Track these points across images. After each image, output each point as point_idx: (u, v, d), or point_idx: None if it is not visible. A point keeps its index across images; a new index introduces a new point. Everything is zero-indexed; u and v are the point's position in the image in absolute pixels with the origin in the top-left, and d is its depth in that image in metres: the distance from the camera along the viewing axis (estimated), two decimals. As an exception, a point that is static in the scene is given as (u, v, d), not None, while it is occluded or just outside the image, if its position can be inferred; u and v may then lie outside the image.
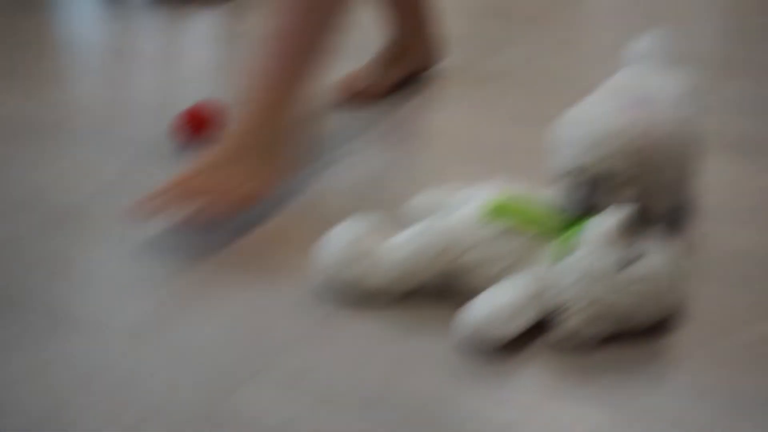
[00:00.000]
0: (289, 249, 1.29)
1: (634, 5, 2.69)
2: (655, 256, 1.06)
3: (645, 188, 1.11)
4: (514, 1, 2.71)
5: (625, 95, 1.17)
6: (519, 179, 1.24)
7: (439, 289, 1.15)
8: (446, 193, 1.27)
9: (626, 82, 1.25)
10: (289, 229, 1.34)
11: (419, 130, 1.74)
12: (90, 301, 1.18)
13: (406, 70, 1.85)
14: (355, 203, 1.39)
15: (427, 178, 1.49)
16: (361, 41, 1.84)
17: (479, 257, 1.12)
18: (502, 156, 1.60)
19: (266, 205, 1.39)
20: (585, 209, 1.10)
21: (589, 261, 1.05)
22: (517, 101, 1.87)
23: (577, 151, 1.12)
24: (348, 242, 1.14)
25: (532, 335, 1.07)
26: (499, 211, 1.12)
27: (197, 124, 1.62)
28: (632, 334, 1.07)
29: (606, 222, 1.06)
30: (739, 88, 1.93)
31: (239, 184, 1.32)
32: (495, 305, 1.05)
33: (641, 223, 1.07)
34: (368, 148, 1.62)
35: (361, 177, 1.51)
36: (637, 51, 1.35)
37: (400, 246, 1.14)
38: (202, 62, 2.14)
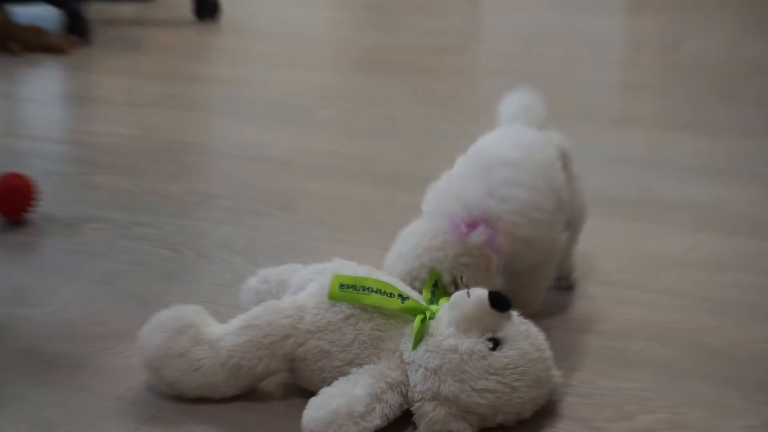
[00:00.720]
0: (107, 338, 1.14)
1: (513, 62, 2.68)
2: (522, 340, 0.95)
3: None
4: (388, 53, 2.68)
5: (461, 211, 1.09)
6: (377, 250, 1.17)
7: (287, 381, 1.03)
8: (286, 272, 1.14)
9: (488, 156, 1.16)
10: (105, 312, 1.20)
11: (272, 192, 1.62)
12: None
13: None
14: (177, 285, 1.28)
15: (276, 249, 1.40)
16: None
17: (324, 345, 0.98)
18: (370, 221, 1.51)
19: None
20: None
21: (451, 345, 0.93)
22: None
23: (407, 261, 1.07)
24: (169, 334, 1.00)
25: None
26: (344, 292, 0.99)
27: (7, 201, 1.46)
28: (500, 429, 0.95)
29: (466, 304, 0.95)
30: (630, 140, 1.90)
31: None
32: (335, 406, 0.91)
33: (502, 304, 0.95)
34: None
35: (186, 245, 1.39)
36: (508, 110, 1.28)
37: (231, 335, 0.99)
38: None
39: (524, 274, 1.14)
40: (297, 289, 1.05)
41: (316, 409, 0.92)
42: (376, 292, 0.99)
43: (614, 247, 1.41)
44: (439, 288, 1.04)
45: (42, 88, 2.42)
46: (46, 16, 2.92)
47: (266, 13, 3.55)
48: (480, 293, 0.95)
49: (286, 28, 3.28)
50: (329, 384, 0.95)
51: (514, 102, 1.29)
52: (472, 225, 1.06)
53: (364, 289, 0.99)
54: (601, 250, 1.38)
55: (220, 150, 1.93)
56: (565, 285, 1.27)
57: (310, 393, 0.96)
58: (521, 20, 3.46)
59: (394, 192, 1.63)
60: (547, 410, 0.98)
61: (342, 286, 0.99)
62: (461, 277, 1.03)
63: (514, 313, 0.98)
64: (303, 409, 0.93)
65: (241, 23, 3.30)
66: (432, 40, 3.05)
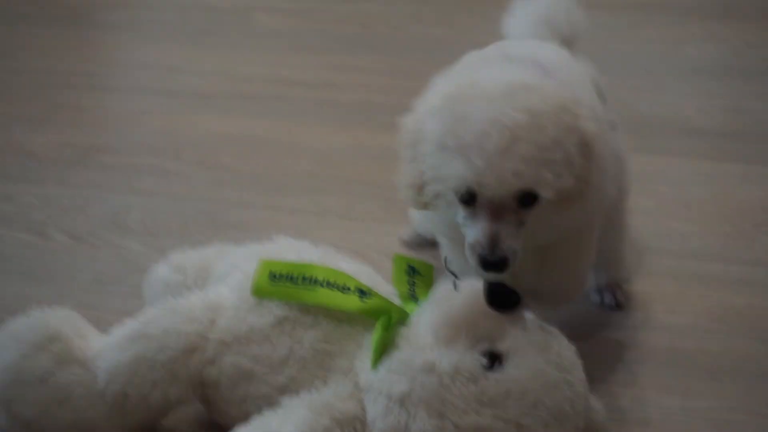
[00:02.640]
0: None
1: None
2: (535, 354, 0.95)
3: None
4: None
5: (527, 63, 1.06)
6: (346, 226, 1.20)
7: (200, 416, 1.06)
8: (210, 257, 1.16)
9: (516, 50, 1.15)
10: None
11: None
12: None
13: None
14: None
15: (187, 224, 1.41)
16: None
17: (245, 363, 1.00)
18: (328, 177, 1.54)
19: None
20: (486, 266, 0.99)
21: (426, 362, 0.94)
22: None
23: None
24: (25, 351, 1.01)
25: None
26: (275, 286, 1.00)
27: None
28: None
29: (451, 301, 0.96)
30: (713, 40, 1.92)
31: None
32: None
33: (505, 300, 0.96)
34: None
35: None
36: (524, 19, 1.28)
37: (112, 351, 1.01)
38: None
39: (561, 246, 1.13)
40: (220, 281, 1.07)
41: None
42: (323, 284, 1.00)
43: (690, 200, 1.43)
44: (422, 278, 1.05)
45: None
46: None
47: None
48: (472, 285, 0.96)
49: None
50: (247, 418, 0.96)
51: (533, 8, 1.28)
52: None
53: (304, 281, 1.00)
54: (670, 205, 1.39)
55: (109, 81, 1.95)
56: (610, 300, 1.25)
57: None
58: None
59: (364, 132, 1.65)
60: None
61: (273, 276, 1.00)
62: (445, 258, 1.03)
63: (527, 315, 0.98)
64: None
65: None
66: None
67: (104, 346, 1.02)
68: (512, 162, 0.91)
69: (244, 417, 0.97)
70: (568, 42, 1.22)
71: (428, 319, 0.96)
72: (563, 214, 1.01)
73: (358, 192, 1.41)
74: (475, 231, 0.96)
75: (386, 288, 1.03)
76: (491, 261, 0.95)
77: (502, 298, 0.96)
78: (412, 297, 1.02)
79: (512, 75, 0.99)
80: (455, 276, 1.00)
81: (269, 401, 0.98)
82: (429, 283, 1.04)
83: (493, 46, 1.16)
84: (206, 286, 1.10)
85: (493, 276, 0.96)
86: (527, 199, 0.94)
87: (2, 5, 2.29)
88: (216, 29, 2.14)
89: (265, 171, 1.55)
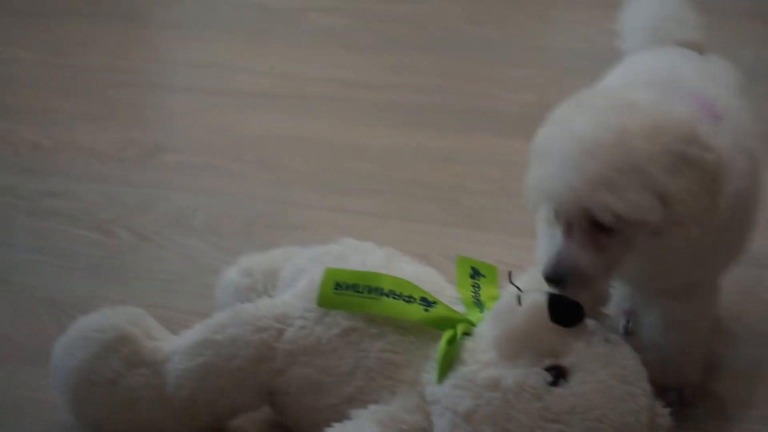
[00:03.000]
0: (7, 361, 1.17)
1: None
2: (600, 368, 0.95)
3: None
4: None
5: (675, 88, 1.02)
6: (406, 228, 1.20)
7: (269, 418, 1.06)
8: (277, 259, 1.16)
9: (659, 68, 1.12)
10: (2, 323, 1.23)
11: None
12: None
13: None
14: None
15: (250, 224, 1.41)
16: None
17: (313, 374, 1.00)
18: (388, 179, 1.53)
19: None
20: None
21: (491, 378, 0.93)
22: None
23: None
24: (95, 351, 1.01)
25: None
26: (340, 296, 1.00)
27: None
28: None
29: (514, 315, 0.95)
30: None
31: None
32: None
33: (568, 315, 0.96)
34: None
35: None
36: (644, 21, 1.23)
37: (181, 355, 1.01)
38: None
39: (683, 295, 1.08)
40: (287, 285, 1.07)
41: None
42: (388, 294, 0.99)
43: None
44: (486, 280, 1.04)
45: None
46: None
47: None
48: (535, 299, 0.95)
49: None
50: (322, 428, 0.96)
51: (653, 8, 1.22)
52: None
53: (370, 291, 1.00)
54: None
55: (167, 79, 1.95)
56: (676, 398, 1.12)
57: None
58: None
59: (425, 135, 1.65)
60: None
61: (338, 286, 1.00)
62: (509, 273, 1.02)
63: (591, 326, 0.97)
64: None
65: None
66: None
67: (174, 351, 1.02)
68: (576, 177, 0.89)
69: (313, 425, 0.98)
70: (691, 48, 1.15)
71: (491, 333, 0.95)
72: (666, 252, 0.97)
73: (419, 194, 1.41)
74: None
75: (450, 292, 1.03)
76: (546, 275, 0.94)
77: (565, 312, 0.95)
78: (476, 302, 1.01)
79: (633, 93, 0.95)
80: (518, 289, 0.99)
81: (338, 411, 0.98)
82: (493, 286, 1.03)
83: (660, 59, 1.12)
84: (275, 290, 1.10)
85: (558, 291, 0.95)
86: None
87: (61, 3, 2.30)
88: (271, 28, 2.15)
89: (325, 171, 1.56)
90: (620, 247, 0.94)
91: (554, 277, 0.93)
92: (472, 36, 2.06)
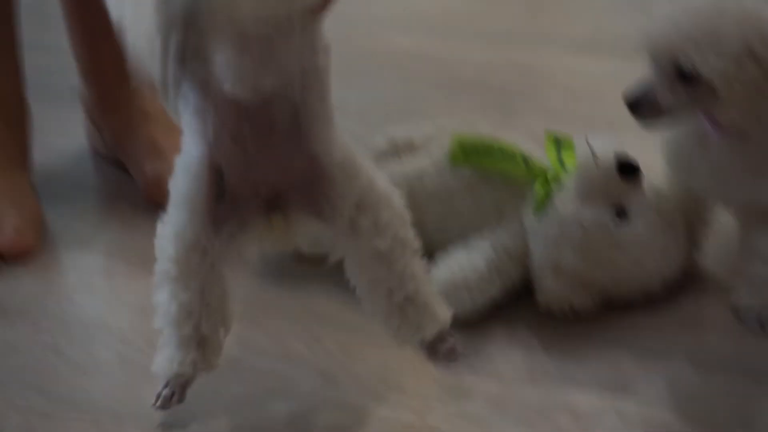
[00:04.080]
0: None
1: None
2: (651, 211, 0.95)
3: None
4: None
5: None
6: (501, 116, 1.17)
7: None
8: (413, 132, 1.13)
9: None
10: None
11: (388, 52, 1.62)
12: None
13: None
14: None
15: (389, 112, 1.40)
16: None
17: (442, 209, 1.01)
18: (486, 83, 1.50)
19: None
20: None
21: (573, 215, 0.94)
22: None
23: None
24: None
25: (509, 301, 0.97)
26: (464, 155, 1.00)
27: None
28: (622, 305, 0.97)
29: (591, 171, 0.95)
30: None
31: None
32: (451, 277, 0.94)
33: (630, 170, 0.96)
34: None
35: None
36: None
37: None
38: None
39: None
40: (421, 149, 1.07)
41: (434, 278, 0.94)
42: (497, 154, 0.99)
43: None
44: (566, 148, 1.03)
45: None
46: None
47: None
48: (607, 158, 0.95)
49: None
50: (448, 249, 0.98)
51: None
52: None
53: (485, 152, 1.00)
54: None
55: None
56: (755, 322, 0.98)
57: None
58: None
59: (510, 52, 1.61)
60: (681, 284, 0.99)
61: (463, 147, 1.00)
62: (586, 139, 1.02)
63: (645, 180, 0.97)
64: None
65: None
66: None
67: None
68: (673, 31, 0.85)
69: (442, 246, 0.99)
70: None
71: (573, 184, 0.96)
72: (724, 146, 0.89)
73: (508, 96, 1.40)
74: None
75: (540, 155, 1.02)
76: (626, 98, 0.89)
77: (627, 169, 0.95)
78: (561, 163, 1.00)
79: None
80: (593, 152, 0.98)
81: (461, 235, 0.99)
82: (571, 151, 1.01)
83: None
84: (411, 155, 1.09)
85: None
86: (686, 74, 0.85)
87: None
88: None
89: (440, 76, 1.53)
90: (692, 99, 0.86)
91: (632, 100, 0.89)
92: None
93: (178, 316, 0.81)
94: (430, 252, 1.00)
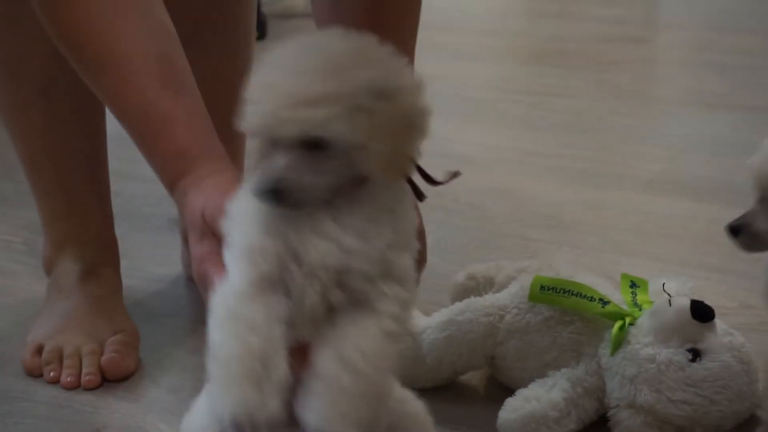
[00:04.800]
0: None
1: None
2: (724, 352, 0.96)
3: None
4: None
5: None
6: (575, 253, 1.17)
7: (489, 374, 1.09)
8: (492, 270, 1.17)
9: None
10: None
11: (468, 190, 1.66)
12: None
13: None
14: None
15: (466, 246, 1.43)
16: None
17: (523, 346, 1.03)
18: (561, 219, 1.53)
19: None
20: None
21: (649, 354, 0.95)
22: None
23: None
24: None
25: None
26: (544, 294, 1.03)
27: None
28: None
29: (666, 313, 0.97)
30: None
31: None
32: (530, 410, 0.95)
33: (704, 315, 0.97)
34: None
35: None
36: None
37: (433, 329, 1.05)
38: None
39: None
40: (501, 287, 1.10)
41: (511, 411, 0.97)
42: (576, 295, 1.01)
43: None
44: (640, 289, 1.05)
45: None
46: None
47: (439, 5, 3.60)
48: (682, 302, 0.97)
49: (458, 19, 3.31)
50: (527, 384, 0.99)
51: None
52: None
53: (564, 292, 1.02)
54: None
55: None
56: None
57: (510, 389, 1.00)
58: (706, 6, 3.39)
59: (584, 189, 1.64)
60: (751, 422, 0.99)
61: (542, 288, 1.02)
62: (663, 284, 1.04)
63: (718, 323, 0.98)
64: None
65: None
66: (613, 29, 3.03)
67: (427, 326, 1.06)
68: None
69: (521, 383, 1.01)
70: None
71: (649, 324, 0.97)
72: None
73: (582, 231, 1.41)
74: None
75: (617, 297, 1.04)
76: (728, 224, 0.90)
77: (703, 313, 0.96)
78: (635, 303, 1.02)
79: None
80: (669, 295, 1.00)
81: (539, 373, 1.01)
82: (646, 293, 1.04)
83: None
84: (491, 290, 1.12)
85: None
86: None
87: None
88: (474, 112, 2.17)
89: (515, 212, 1.56)
90: None
91: (733, 226, 0.91)
92: (614, 123, 2.05)
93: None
94: (509, 387, 1.02)
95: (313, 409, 0.69)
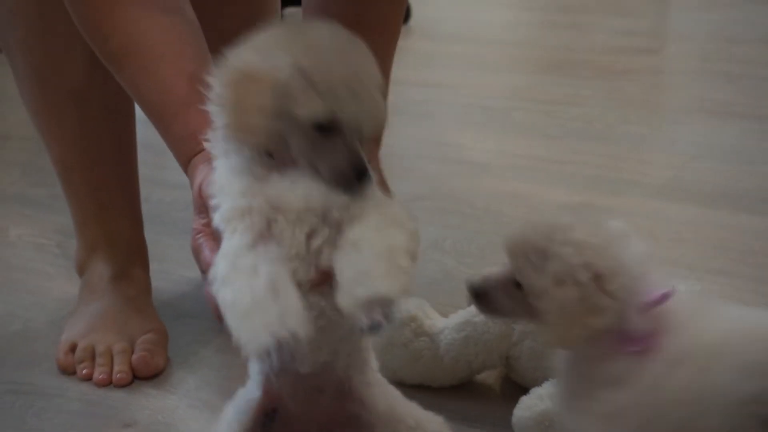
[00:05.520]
0: None
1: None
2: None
3: None
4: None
5: None
6: None
7: (494, 379, 1.10)
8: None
9: None
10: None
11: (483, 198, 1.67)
12: None
13: None
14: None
15: (483, 250, 1.44)
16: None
17: (535, 347, 1.03)
18: None
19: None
20: None
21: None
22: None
23: None
24: (395, 327, 1.06)
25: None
26: None
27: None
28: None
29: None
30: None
31: None
32: (544, 408, 0.96)
33: None
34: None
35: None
36: None
37: (450, 330, 1.06)
38: None
39: None
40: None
41: (525, 409, 0.97)
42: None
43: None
44: None
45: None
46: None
47: (452, 16, 3.61)
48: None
49: (472, 30, 3.32)
50: (541, 383, 1.00)
51: None
52: None
53: None
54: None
55: (421, 152, 1.96)
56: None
57: (525, 388, 1.01)
58: (716, 18, 3.39)
59: (595, 195, 1.65)
60: None
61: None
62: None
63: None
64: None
65: (429, 26, 3.37)
66: (623, 40, 3.03)
67: (445, 327, 1.07)
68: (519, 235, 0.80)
69: (536, 381, 1.01)
70: None
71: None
72: None
73: None
74: None
75: None
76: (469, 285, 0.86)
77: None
78: None
79: None
80: None
81: (553, 372, 1.00)
82: None
83: None
84: None
85: None
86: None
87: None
88: (488, 121, 2.18)
89: (530, 217, 1.56)
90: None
91: (475, 290, 0.85)
92: (625, 131, 2.05)
93: None
94: (524, 386, 1.03)
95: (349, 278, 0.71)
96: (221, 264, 0.73)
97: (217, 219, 0.76)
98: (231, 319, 0.70)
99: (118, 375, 1.13)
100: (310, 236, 0.74)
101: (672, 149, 1.89)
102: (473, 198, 1.66)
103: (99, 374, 1.14)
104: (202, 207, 0.82)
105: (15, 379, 1.15)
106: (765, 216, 1.52)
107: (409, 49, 3.12)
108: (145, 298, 1.25)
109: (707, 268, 1.35)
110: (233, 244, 0.73)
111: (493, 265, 1.18)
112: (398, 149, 1.96)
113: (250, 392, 0.85)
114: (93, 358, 1.16)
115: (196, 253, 0.81)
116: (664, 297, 0.74)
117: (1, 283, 1.40)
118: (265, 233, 0.74)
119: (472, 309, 1.06)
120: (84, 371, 1.15)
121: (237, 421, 0.84)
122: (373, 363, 0.87)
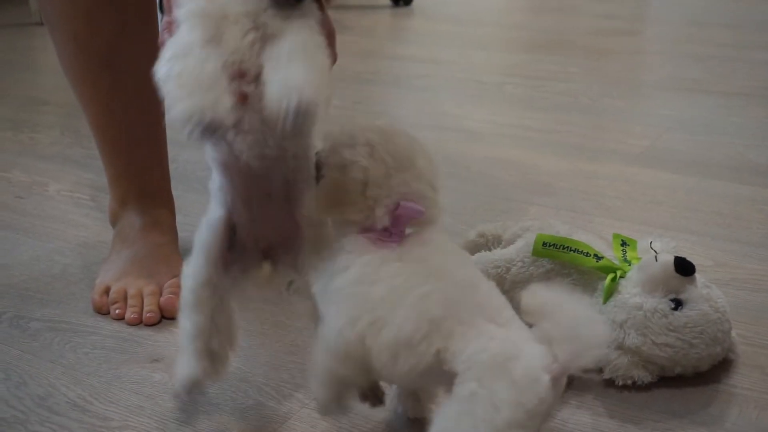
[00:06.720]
0: None
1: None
2: (702, 302, 0.96)
3: None
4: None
5: None
6: (570, 216, 1.14)
7: None
8: (500, 228, 1.17)
9: None
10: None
11: (480, 161, 1.66)
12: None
13: None
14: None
15: (476, 209, 1.43)
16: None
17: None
18: (558, 186, 1.52)
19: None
20: None
21: (637, 302, 0.95)
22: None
23: None
24: None
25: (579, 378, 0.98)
26: (546, 250, 1.03)
27: None
28: (679, 379, 0.97)
29: (653, 267, 0.97)
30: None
31: None
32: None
33: (686, 269, 0.97)
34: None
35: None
36: None
37: None
38: None
39: None
40: (508, 243, 1.10)
41: None
42: (574, 251, 1.02)
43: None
44: (630, 247, 1.06)
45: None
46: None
47: (452, 0, 3.59)
48: (667, 258, 0.97)
49: (469, 13, 3.31)
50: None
51: None
52: None
53: (563, 248, 1.02)
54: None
55: (421, 121, 1.95)
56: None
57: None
58: (689, 4, 3.37)
59: (579, 162, 1.64)
60: (724, 364, 0.99)
61: (544, 244, 1.03)
62: (650, 243, 1.04)
63: (698, 278, 0.98)
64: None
65: (431, 8, 3.35)
66: (606, 23, 3.01)
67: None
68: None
69: None
70: None
71: (637, 277, 0.97)
72: None
73: (575, 197, 1.41)
74: None
75: (609, 253, 1.04)
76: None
77: (685, 267, 0.96)
78: (625, 260, 1.02)
79: None
80: (655, 253, 1.00)
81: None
82: (635, 250, 1.04)
83: None
84: (499, 246, 1.12)
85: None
86: None
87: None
88: (483, 94, 2.17)
89: (519, 180, 1.56)
90: None
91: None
92: (606, 104, 2.05)
93: (192, 333, 0.89)
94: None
95: (276, 80, 0.71)
96: (176, 44, 0.75)
97: (180, 15, 0.77)
98: (172, 89, 0.73)
99: (147, 314, 1.13)
100: (245, 37, 0.75)
101: (649, 121, 1.88)
102: (469, 163, 1.65)
103: (131, 314, 1.13)
104: (169, 7, 0.82)
105: (54, 318, 1.14)
106: (731, 182, 1.52)
107: (412, 28, 3.11)
108: (172, 246, 1.25)
109: (680, 227, 1.35)
110: (191, 36, 0.75)
111: (486, 222, 1.20)
112: (400, 118, 1.96)
113: (214, 211, 0.88)
114: (125, 299, 1.15)
115: (162, 47, 0.81)
116: (411, 213, 0.79)
117: (42, 233, 1.39)
118: (213, 36, 0.75)
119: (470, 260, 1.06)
120: (117, 311, 1.14)
121: (211, 235, 0.88)
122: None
